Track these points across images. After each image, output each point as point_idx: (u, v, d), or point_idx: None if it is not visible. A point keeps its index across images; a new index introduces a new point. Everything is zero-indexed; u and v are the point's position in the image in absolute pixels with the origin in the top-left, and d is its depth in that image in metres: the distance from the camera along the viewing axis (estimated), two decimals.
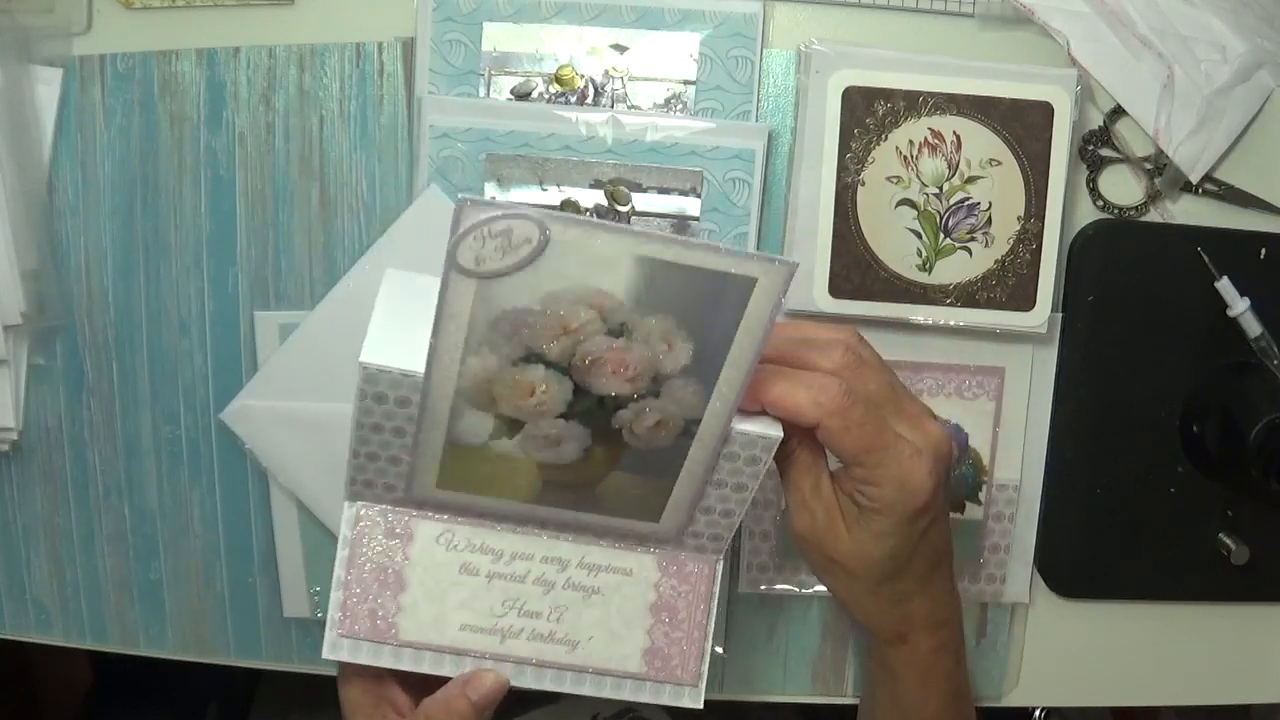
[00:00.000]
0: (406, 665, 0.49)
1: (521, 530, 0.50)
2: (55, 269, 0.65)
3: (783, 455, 0.50)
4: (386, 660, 0.49)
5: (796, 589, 0.68)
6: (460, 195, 0.40)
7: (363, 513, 0.49)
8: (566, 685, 0.51)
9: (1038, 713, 0.87)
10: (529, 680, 0.50)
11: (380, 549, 0.49)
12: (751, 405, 0.47)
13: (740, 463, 0.48)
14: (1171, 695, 0.72)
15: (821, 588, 0.67)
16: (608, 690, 0.51)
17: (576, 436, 0.47)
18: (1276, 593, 0.70)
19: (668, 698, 0.51)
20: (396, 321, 0.47)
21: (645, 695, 0.51)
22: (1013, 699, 0.71)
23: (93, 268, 0.65)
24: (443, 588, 0.50)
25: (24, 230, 0.62)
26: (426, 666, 0.49)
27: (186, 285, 0.65)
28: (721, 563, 0.52)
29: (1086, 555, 0.68)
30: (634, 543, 0.51)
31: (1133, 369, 0.66)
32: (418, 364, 0.44)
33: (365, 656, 0.49)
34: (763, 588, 0.68)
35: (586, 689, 0.51)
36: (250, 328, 0.65)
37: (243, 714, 0.98)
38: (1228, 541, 0.67)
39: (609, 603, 0.51)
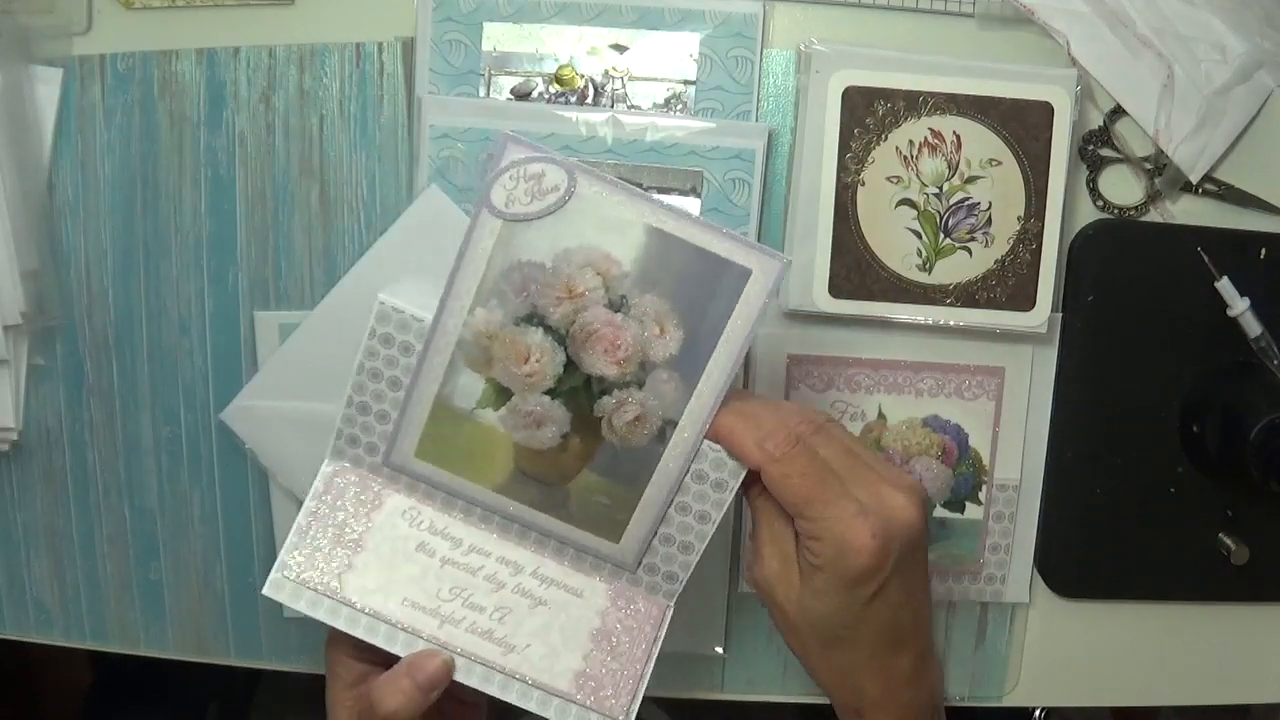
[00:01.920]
0: (341, 624, 0.49)
1: (485, 526, 0.51)
2: (55, 269, 0.65)
3: (752, 500, 0.50)
4: (323, 614, 0.49)
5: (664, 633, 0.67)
6: (503, 133, 0.43)
7: (339, 473, 0.51)
8: (494, 688, 0.50)
9: (1038, 713, 0.87)
10: (459, 673, 0.50)
11: (347, 509, 0.50)
12: (708, 434, 0.48)
13: (708, 485, 0.49)
14: (1171, 695, 0.72)
15: None
16: (534, 704, 0.50)
17: (557, 420, 0.48)
18: (1276, 593, 0.70)
19: None
20: (421, 287, 0.49)
21: (571, 717, 0.50)
22: (1013, 699, 0.71)
23: (93, 268, 0.65)
24: (396, 559, 0.50)
25: (24, 230, 0.62)
26: (361, 631, 0.49)
27: (186, 285, 0.65)
28: (671, 610, 0.52)
29: (1086, 555, 0.68)
30: (590, 567, 0.51)
31: (1133, 369, 0.66)
32: (428, 314, 0.47)
33: (305, 605, 0.49)
34: None
35: (514, 696, 0.50)
36: (250, 328, 0.65)
37: (243, 714, 0.99)
38: (1228, 541, 0.67)
39: (553, 617, 0.51)
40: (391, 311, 0.47)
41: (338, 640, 0.51)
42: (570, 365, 0.47)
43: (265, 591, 0.50)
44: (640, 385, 0.47)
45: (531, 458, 0.49)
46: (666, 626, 0.52)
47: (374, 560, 0.50)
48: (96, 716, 0.99)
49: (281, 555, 0.50)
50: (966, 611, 0.70)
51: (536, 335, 0.47)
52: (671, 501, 0.49)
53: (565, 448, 0.49)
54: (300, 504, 0.66)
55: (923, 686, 0.51)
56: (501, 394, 0.48)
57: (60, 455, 0.67)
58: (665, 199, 0.62)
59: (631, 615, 0.52)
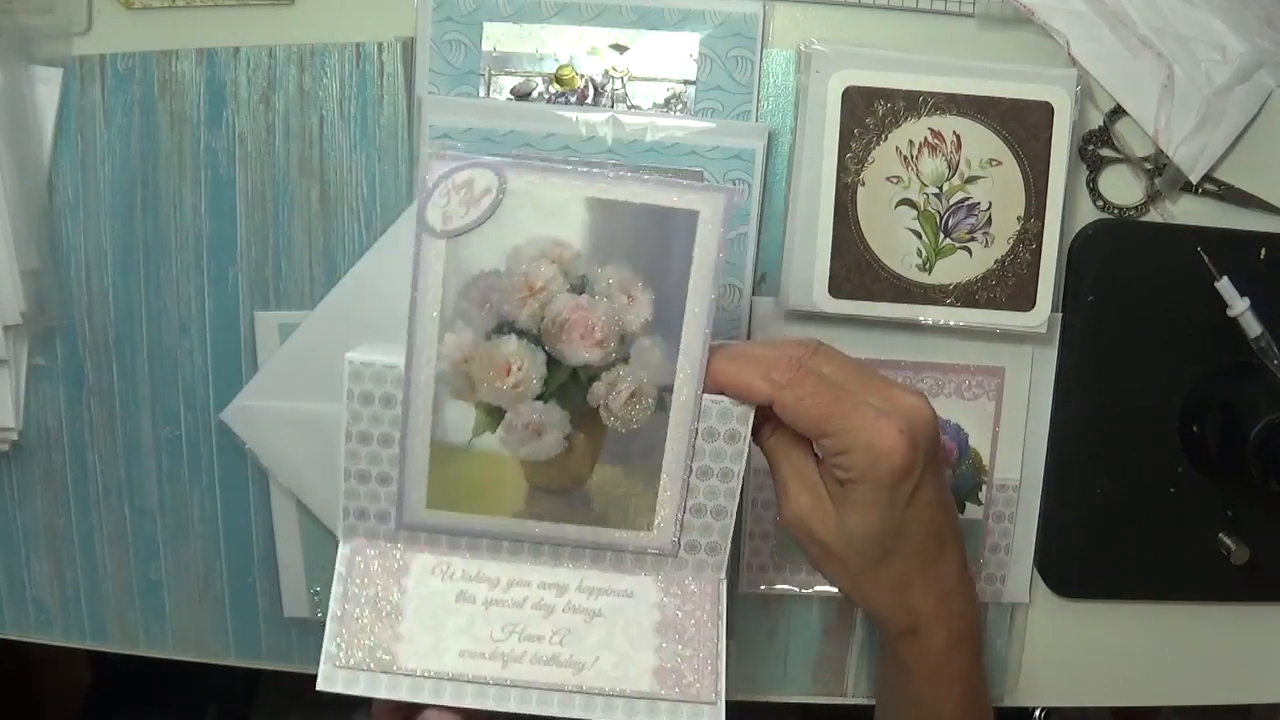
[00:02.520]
0: (405, 695, 0.48)
1: (517, 557, 0.51)
2: (55, 269, 0.65)
3: (764, 442, 0.50)
4: (384, 690, 0.48)
5: (796, 589, 0.68)
6: (425, 151, 0.43)
7: (357, 551, 0.50)
8: (576, 709, 0.49)
9: (1038, 713, 0.87)
10: (535, 705, 0.49)
11: (376, 583, 0.50)
12: (708, 388, 0.48)
13: (721, 440, 0.48)
14: (1171, 695, 0.72)
15: (822, 587, 0.68)
16: (620, 713, 0.49)
17: (556, 422, 0.48)
18: (1276, 593, 0.70)
19: (686, 716, 0.50)
20: (383, 341, 0.49)
21: (661, 715, 0.49)
22: (1013, 699, 0.71)
23: (93, 268, 0.65)
24: (440, 616, 0.49)
25: (24, 230, 0.62)
26: (426, 695, 0.48)
27: (186, 285, 0.65)
28: (724, 582, 0.52)
29: (1086, 555, 0.68)
30: (632, 565, 0.51)
31: (1132, 369, 0.66)
32: (399, 358, 0.46)
33: (362, 687, 0.48)
34: (763, 588, 0.68)
35: (598, 713, 0.49)
36: (250, 328, 0.65)
37: (243, 714, 0.99)
38: (1228, 541, 0.67)
39: (612, 624, 0.50)
40: (363, 367, 0.47)
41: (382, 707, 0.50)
42: (553, 362, 0.47)
43: (320, 686, 0.48)
44: (626, 360, 0.47)
45: (542, 470, 0.49)
46: (725, 599, 0.51)
47: (419, 624, 0.49)
48: (96, 716, 0.99)
49: (325, 646, 0.49)
50: None
51: (511, 343, 0.47)
52: (691, 469, 0.49)
53: (572, 449, 0.49)
54: (300, 504, 0.66)
55: (970, 593, 0.52)
56: (494, 414, 0.48)
57: (60, 455, 0.67)
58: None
59: (688, 598, 0.51)
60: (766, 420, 0.49)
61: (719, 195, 0.44)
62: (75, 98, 0.63)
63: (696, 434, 0.48)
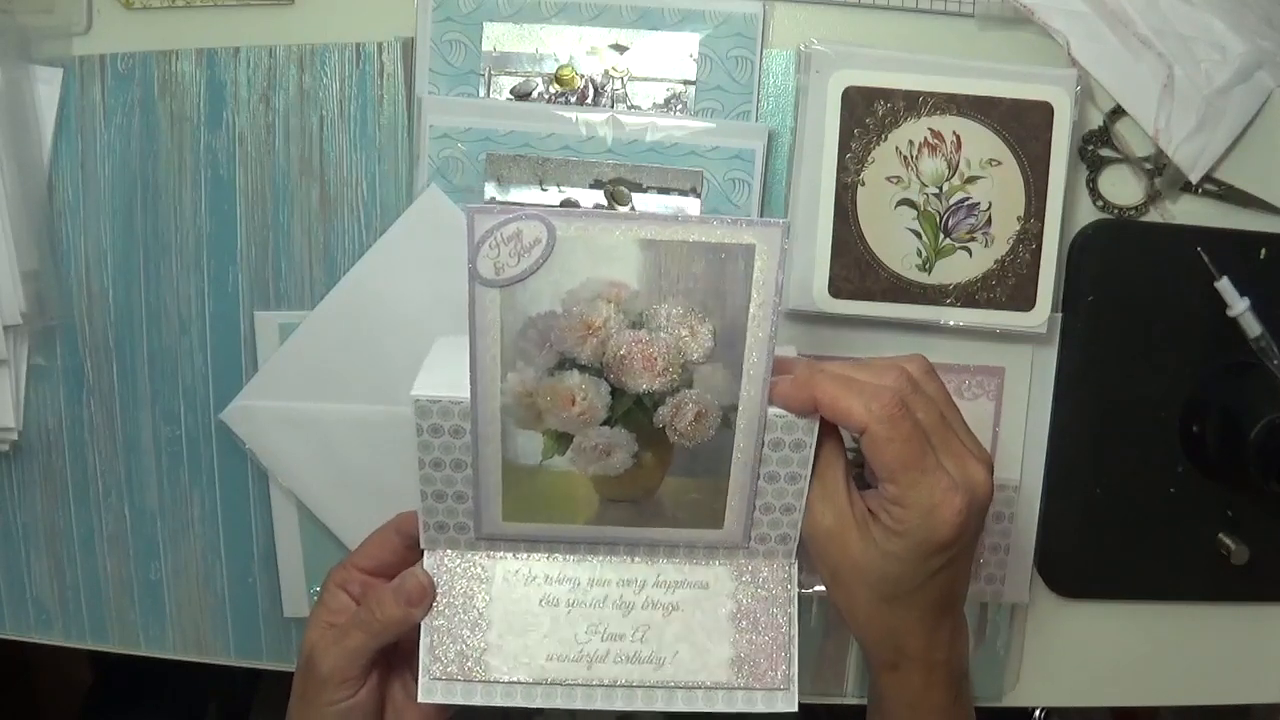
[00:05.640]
0: (498, 702, 0.51)
1: (594, 557, 0.52)
2: (55, 269, 0.65)
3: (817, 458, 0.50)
4: (479, 698, 0.51)
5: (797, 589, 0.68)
6: (466, 207, 0.43)
7: (441, 561, 0.52)
8: (658, 703, 0.51)
9: (1038, 713, 0.87)
10: (620, 702, 0.51)
11: (462, 592, 0.52)
12: (804, 406, 0.48)
13: (787, 449, 0.49)
14: (1171, 695, 0.72)
15: (822, 588, 0.67)
16: (700, 704, 0.51)
17: (624, 443, 0.49)
18: (1276, 593, 0.70)
19: (761, 704, 0.52)
20: (442, 365, 0.49)
21: (738, 704, 0.51)
22: (1013, 699, 0.71)
23: (93, 268, 0.65)
24: (525, 622, 0.52)
25: (24, 230, 0.62)
26: (519, 700, 0.51)
27: (186, 285, 0.65)
28: (795, 565, 0.53)
29: (1086, 555, 0.68)
30: (705, 556, 0.52)
31: (1132, 369, 0.66)
32: (463, 391, 0.47)
33: (459, 696, 0.51)
34: None
35: (679, 704, 0.51)
36: (250, 328, 0.65)
37: (243, 714, 0.99)
38: (1228, 541, 0.67)
39: (690, 617, 0.52)
40: (429, 404, 0.48)
41: (336, 570, 0.54)
42: (617, 391, 0.47)
43: (421, 699, 0.51)
44: (690, 384, 0.47)
45: (612, 484, 0.50)
46: (797, 583, 0.53)
47: (507, 632, 0.51)
48: (96, 716, 0.99)
49: (422, 659, 0.51)
50: (966, 611, 0.69)
51: (574, 377, 0.47)
52: (758, 475, 0.50)
53: (640, 465, 0.49)
54: (300, 504, 0.66)
55: (956, 649, 0.53)
56: (562, 440, 0.49)
57: (60, 455, 0.67)
58: (664, 200, 0.62)
59: (760, 585, 0.52)
60: (827, 437, 0.49)
61: (775, 229, 0.44)
62: (75, 98, 0.63)
63: (763, 445, 0.49)
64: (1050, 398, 0.66)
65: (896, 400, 0.47)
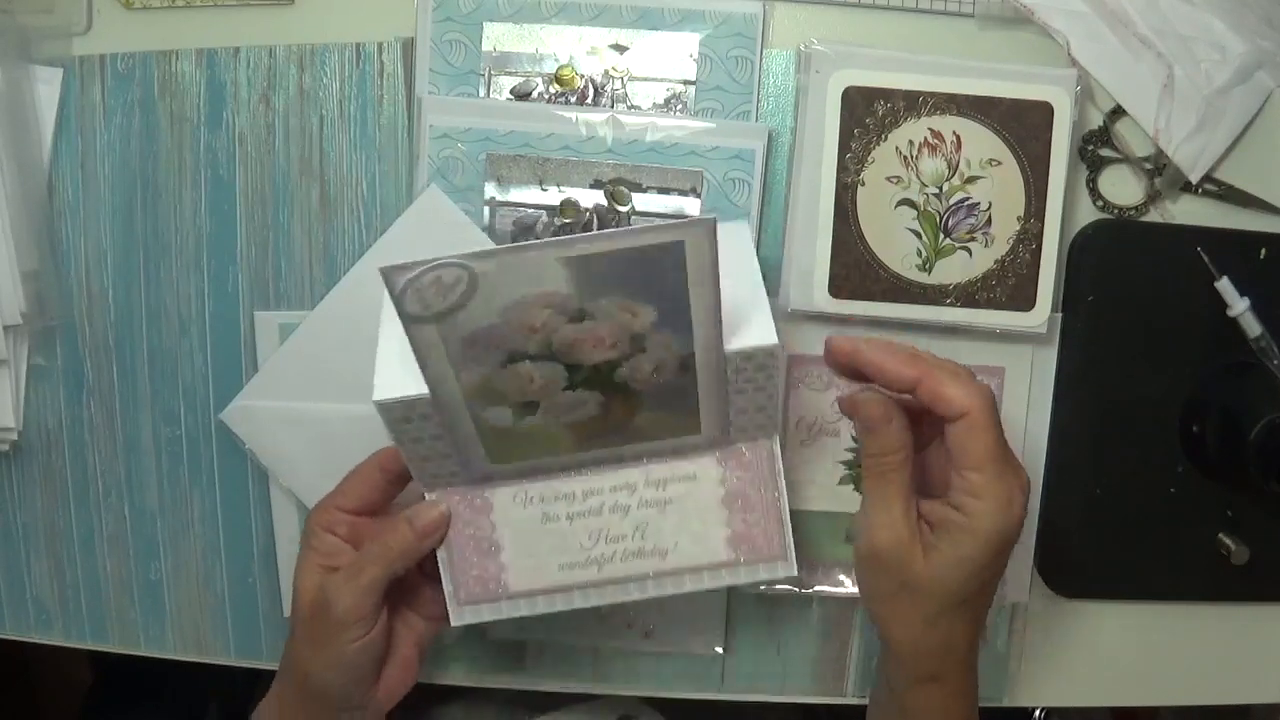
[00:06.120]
0: (523, 612, 0.55)
1: (585, 471, 0.54)
2: (55, 269, 0.65)
3: (875, 471, 0.51)
4: (505, 613, 0.55)
5: (796, 589, 0.68)
6: (381, 269, 0.43)
7: (442, 499, 0.55)
8: (668, 589, 0.55)
9: (1038, 713, 0.87)
10: (635, 593, 0.55)
11: (468, 523, 0.55)
12: (903, 384, 0.50)
13: (752, 370, 0.51)
14: (1171, 695, 0.72)
15: (822, 587, 0.67)
16: (706, 583, 0.55)
17: (590, 399, 0.50)
18: (1276, 593, 0.70)
19: (763, 573, 0.55)
20: (397, 355, 0.50)
21: (742, 577, 0.55)
22: (1013, 699, 0.71)
23: (93, 268, 0.65)
24: (532, 540, 0.55)
25: (24, 230, 0.62)
26: (541, 608, 0.55)
27: (186, 285, 0.65)
28: (778, 442, 0.55)
29: (1086, 555, 0.68)
30: (690, 450, 0.54)
31: (1132, 369, 0.66)
32: (423, 386, 0.48)
33: (486, 615, 0.55)
34: (763, 588, 0.68)
35: (687, 587, 0.55)
36: (250, 328, 0.65)
37: (243, 714, 0.98)
38: (1228, 541, 0.67)
39: (684, 508, 0.55)
40: (393, 404, 0.49)
41: (317, 514, 0.56)
42: (572, 366, 0.49)
43: (453, 623, 0.55)
44: (643, 350, 0.48)
45: (587, 426, 0.52)
46: (781, 458, 0.55)
47: (518, 552, 0.55)
48: (96, 716, 0.99)
49: (446, 587, 0.55)
50: None
51: (527, 366, 0.48)
52: (727, 394, 0.51)
53: (610, 410, 0.51)
54: (300, 504, 0.66)
55: (976, 650, 0.54)
56: (529, 407, 0.50)
57: (60, 455, 0.67)
58: (664, 200, 0.62)
59: (745, 466, 0.55)
60: (896, 449, 0.51)
61: (701, 227, 0.44)
62: (75, 98, 0.63)
63: (726, 373, 0.50)
64: (1050, 398, 0.66)
65: (991, 393, 0.49)
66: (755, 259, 0.55)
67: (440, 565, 0.55)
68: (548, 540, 0.55)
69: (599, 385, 0.50)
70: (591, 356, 0.48)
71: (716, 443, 0.54)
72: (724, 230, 0.50)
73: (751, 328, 0.50)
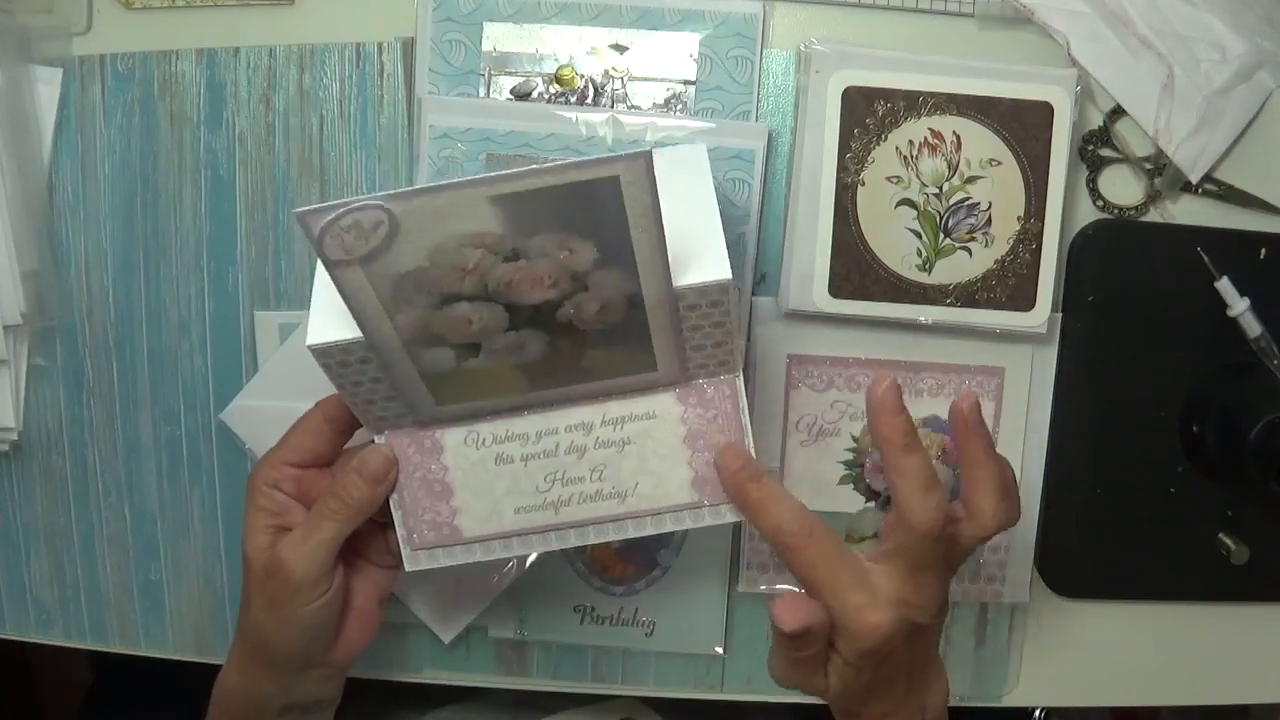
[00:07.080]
0: (478, 557, 0.53)
1: (539, 411, 0.52)
2: (55, 269, 0.65)
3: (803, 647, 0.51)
4: (460, 558, 0.53)
5: (796, 589, 0.68)
6: (295, 212, 0.41)
7: (392, 440, 0.53)
8: (630, 532, 0.53)
9: (1038, 713, 0.87)
10: (593, 537, 0.53)
11: (419, 465, 0.53)
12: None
13: (706, 305, 0.48)
14: (1171, 695, 0.72)
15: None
16: (669, 525, 0.53)
17: (534, 339, 0.48)
18: (1276, 593, 0.70)
19: (728, 515, 0.53)
20: (331, 295, 0.47)
21: (705, 519, 0.53)
22: (1013, 699, 0.71)
23: (93, 268, 0.65)
24: (486, 482, 0.53)
25: (24, 230, 0.62)
26: (498, 553, 0.53)
27: (186, 285, 0.65)
28: (740, 379, 0.52)
29: (1086, 555, 0.68)
30: (648, 388, 0.52)
31: (1133, 369, 0.66)
32: (356, 330, 0.46)
33: (443, 559, 0.53)
34: (762, 588, 0.68)
35: (649, 529, 0.53)
36: (250, 328, 0.65)
37: None
38: (1228, 541, 0.67)
39: (643, 448, 0.52)
40: (327, 348, 0.47)
41: (262, 471, 0.53)
42: (512, 307, 0.47)
43: (407, 569, 0.53)
44: (585, 289, 0.46)
45: (535, 368, 0.50)
46: (744, 394, 0.52)
47: (470, 494, 0.53)
48: (96, 716, 0.99)
49: (399, 533, 0.53)
50: (966, 611, 0.70)
51: (464, 307, 0.46)
52: (681, 330, 0.49)
53: (557, 350, 0.49)
54: None
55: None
56: (471, 349, 0.48)
57: (60, 455, 0.67)
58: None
59: (707, 403, 0.52)
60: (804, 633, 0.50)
61: (635, 160, 0.41)
62: (75, 98, 0.63)
63: (679, 310, 0.48)
64: (1050, 398, 0.66)
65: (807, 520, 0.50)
66: (712, 185, 0.52)
67: (392, 509, 0.53)
68: (502, 483, 0.52)
69: (543, 326, 0.47)
70: (531, 296, 0.46)
71: (676, 380, 0.52)
72: (679, 153, 0.48)
73: (704, 261, 0.47)
